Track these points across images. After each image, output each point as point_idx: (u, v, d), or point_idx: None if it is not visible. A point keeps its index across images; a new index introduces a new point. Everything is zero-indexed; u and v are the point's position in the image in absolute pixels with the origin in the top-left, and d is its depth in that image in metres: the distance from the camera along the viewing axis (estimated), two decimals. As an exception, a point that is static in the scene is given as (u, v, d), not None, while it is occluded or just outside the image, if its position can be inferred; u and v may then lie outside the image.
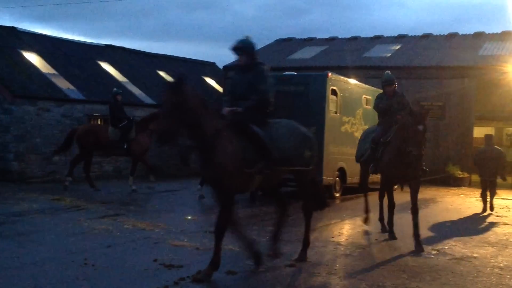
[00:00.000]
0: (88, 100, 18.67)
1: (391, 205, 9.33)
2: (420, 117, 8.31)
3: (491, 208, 13.39)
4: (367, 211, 10.55)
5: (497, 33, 26.50)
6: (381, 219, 10.05)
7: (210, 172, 6.24)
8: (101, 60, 22.38)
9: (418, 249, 8.15)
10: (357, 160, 11.29)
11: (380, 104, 9.80)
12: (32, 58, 19.30)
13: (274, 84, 7.04)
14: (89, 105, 18.60)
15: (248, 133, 6.39)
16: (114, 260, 7.01)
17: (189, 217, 10.93)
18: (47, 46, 20.78)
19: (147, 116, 15.26)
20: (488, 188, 13.43)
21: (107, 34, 77.13)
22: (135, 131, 14.58)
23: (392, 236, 9.18)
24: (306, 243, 7.43)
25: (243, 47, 6.84)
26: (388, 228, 9.41)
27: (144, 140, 14.63)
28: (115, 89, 15.98)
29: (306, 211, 7.49)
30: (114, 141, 14.48)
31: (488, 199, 13.47)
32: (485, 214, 13.05)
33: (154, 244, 8.10)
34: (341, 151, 15.08)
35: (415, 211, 8.51)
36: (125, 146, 14.49)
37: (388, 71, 10.15)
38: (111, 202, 12.44)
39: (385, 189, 9.62)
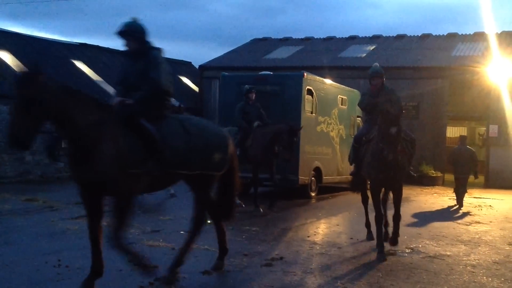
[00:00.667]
0: (62, 99, 18.46)
1: (378, 217, 7.88)
2: (393, 118, 7.34)
3: (461, 204, 14.29)
4: (368, 224, 9.08)
5: (469, 34, 26.93)
6: (367, 225, 9.11)
7: (85, 172, 5.32)
8: (75, 59, 22.13)
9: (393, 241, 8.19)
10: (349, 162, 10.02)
11: (364, 101, 8.76)
12: (5, 56, 18.99)
13: (170, 72, 6.15)
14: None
15: (135, 128, 5.54)
16: (88, 260, 6.87)
17: (164, 217, 10.88)
18: (20, 44, 20.48)
19: None
20: (461, 186, 14.38)
21: (81, 33, 76.44)
22: None
23: (370, 237, 8.86)
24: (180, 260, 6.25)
25: (130, 31, 5.94)
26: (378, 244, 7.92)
27: None
28: None
29: (196, 222, 6.31)
30: None
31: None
32: (458, 212, 13.28)
33: (129, 244, 8.02)
34: (316, 151, 15.16)
35: (397, 219, 8.02)
36: None
37: (376, 64, 9.07)
38: (85, 203, 12.29)
39: (371, 195, 8.23)
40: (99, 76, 21.94)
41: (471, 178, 14.59)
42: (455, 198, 14.52)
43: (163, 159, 5.57)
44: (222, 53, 28.23)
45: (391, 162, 7.37)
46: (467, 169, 14.24)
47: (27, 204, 11.75)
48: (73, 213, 10.65)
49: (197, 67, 27.04)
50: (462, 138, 15.26)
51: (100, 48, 24.80)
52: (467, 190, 14.90)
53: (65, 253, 7.24)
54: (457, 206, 14.28)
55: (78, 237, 8.42)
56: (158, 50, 6.06)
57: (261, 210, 11.73)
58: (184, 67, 28.71)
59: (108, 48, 25.33)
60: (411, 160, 8.38)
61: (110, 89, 21.36)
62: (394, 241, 8.21)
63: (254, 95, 12.75)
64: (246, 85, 13.06)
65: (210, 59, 26.89)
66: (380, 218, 7.91)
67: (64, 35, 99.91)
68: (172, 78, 6.18)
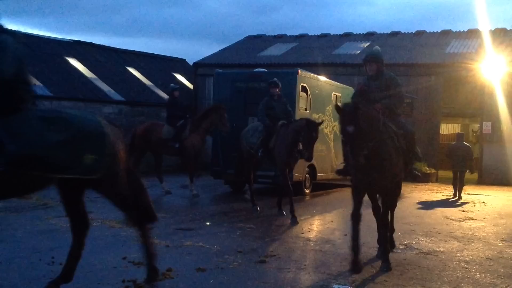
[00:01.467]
0: (55, 96, 18.41)
1: (353, 234, 6.79)
2: (346, 113, 6.48)
3: (459, 197, 15.63)
4: (355, 249, 6.79)
5: (463, 31, 26.97)
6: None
7: None
8: (68, 56, 22.07)
9: (385, 267, 6.85)
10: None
11: (355, 90, 8.01)
12: (-2, 53, 18.92)
13: (20, 57, 5.14)
14: (56, 101, 18.35)
15: None
16: (82, 258, 6.88)
17: (157, 214, 10.87)
18: (13, 41, 20.39)
19: (201, 114, 14.14)
20: (458, 180, 15.73)
21: (75, 30, 76.20)
22: (188, 130, 13.68)
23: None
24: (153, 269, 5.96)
25: None
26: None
27: (196, 140, 13.65)
28: (172, 84, 15.43)
29: (137, 225, 6.00)
30: (166, 139, 13.70)
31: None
32: (452, 209, 13.32)
33: (123, 241, 8.03)
34: (311, 147, 15.14)
35: (382, 224, 7.20)
36: (177, 146, 13.61)
37: (377, 47, 8.14)
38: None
39: (354, 200, 6.98)
40: (93, 73, 21.88)
41: (467, 174, 15.86)
42: (453, 188, 15.93)
43: (6, 156, 4.75)
44: (217, 50, 28.20)
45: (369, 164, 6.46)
46: (463, 164, 15.60)
47: (21, 201, 11.70)
48: (67, 211, 10.64)
49: (191, 64, 26.99)
50: (459, 135, 16.79)
51: (93, 45, 24.73)
52: (464, 184, 16.12)
53: (59, 250, 7.22)
54: (455, 198, 15.60)
55: (72, 234, 8.42)
56: (8, 33, 5.09)
57: (258, 209, 11.62)
58: (178, 64, 28.67)
59: (102, 45, 25.28)
60: (409, 157, 7.50)
61: (104, 86, 21.36)
62: (386, 266, 6.72)
63: (277, 90, 11.84)
64: (274, 79, 12.13)
65: (204, 56, 26.86)
66: (355, 235, 6.74)
67: (57, 32, 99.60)
68: (25, 64, 5.24)
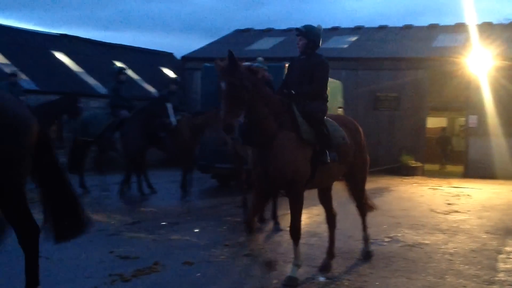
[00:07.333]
0: (41, 90, 18.28)
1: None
2: None
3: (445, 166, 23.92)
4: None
5: (450, 25, 27.10)
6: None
7: None
8: (55, 50, 21.91)
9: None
10: None
11: None
12: (-17, 47, 18.76)
13: None
14: (43, 96, 18.20)
15: None
16: (69, 252, 6.92)
17: (145, 209, 10.88)
18: (0, 35, 20.25)
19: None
20: (443, 155, 24.55)
21: (62, 24, 75.58)
22: None
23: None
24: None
25: None
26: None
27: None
28: None
29: None
30: None
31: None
32: (437, 202, 13.44)
33: (109, 236, 8.04)
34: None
35: None
36: None
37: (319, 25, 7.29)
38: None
39: None
40: (80, 67, 21.75)
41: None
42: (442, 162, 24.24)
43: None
44: (205, 44, 28.11)
45: None
46: (447, 146, 25.27)
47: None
48: None
49: (179, 58, 26.91)
50: (443, 128, 26.12)
51: (80, 39, 24.56)
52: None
53: (45, 245, 7.15)
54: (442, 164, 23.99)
55: None
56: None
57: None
58: (165, 58, 28.54)
59: (89, 39, 25.12)
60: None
61: (91, 80, 21.24)
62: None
63: None
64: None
65: (191, 50, 26.77)
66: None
67: (44, 26, 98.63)
68: None
